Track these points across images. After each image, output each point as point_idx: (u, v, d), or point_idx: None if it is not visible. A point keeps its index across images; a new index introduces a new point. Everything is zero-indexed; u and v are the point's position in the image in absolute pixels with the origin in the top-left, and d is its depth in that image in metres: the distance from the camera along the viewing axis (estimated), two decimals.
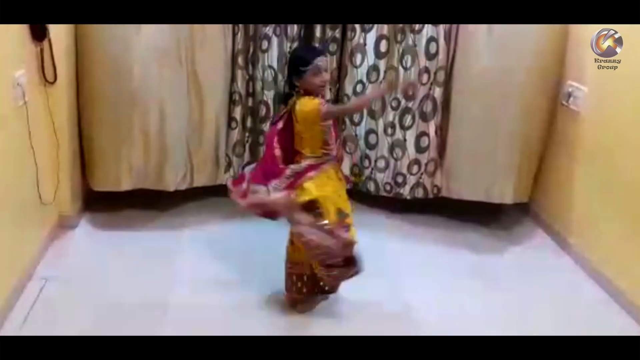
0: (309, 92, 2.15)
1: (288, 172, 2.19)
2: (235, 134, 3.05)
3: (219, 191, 3.03)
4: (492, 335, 1.84)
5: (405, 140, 3.08)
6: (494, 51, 2.84)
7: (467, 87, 2.94)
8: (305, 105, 2.15)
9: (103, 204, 3.07)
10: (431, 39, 2.89)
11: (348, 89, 3.02)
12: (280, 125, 2.24)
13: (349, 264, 2.22)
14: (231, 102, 2.98)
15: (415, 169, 3.12)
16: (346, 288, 2.39)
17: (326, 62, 2.22)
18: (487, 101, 2.92)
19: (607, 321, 2.48)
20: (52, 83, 2.57)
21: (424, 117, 3.04)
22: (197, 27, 2.75)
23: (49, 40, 2.49)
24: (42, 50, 2.48)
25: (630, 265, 2.54)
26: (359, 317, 2.39)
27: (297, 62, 2.17)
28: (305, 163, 2.20)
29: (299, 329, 2.32)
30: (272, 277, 2.43)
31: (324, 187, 2.17)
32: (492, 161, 3.01)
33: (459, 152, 3.05)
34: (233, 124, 3.03)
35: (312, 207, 2.14)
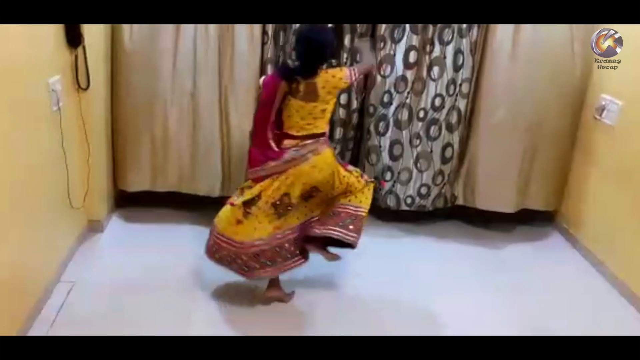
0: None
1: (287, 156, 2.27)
2: None
3: None
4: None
5: (431, 151, 3.07)
6: (518, 64, 2.89)
7: (490, 98, 2.99)
8: (336, 73, 2.27)
9: (132, 208, 3.11)
10: (458, 51, 2.90)
11: (374, 100, 3.01)
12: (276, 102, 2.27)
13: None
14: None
15: (439, 179, 3.12)
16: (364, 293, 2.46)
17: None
18: (508, 112, 2.97)
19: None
20: (85, 89, 2.61)
21: (450, 128, 3.04)
22: (227, 37, 2.80)
23: (84, 47, 2.53)
24: (76, 57, 2.53)
25: None
26: (374, 320, 2.44)
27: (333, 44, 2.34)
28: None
29: (299, 329, 2.35)
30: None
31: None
32: (510, 172, 3.06)
33: (478, 162, 3.09)
34: None
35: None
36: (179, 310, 2.39)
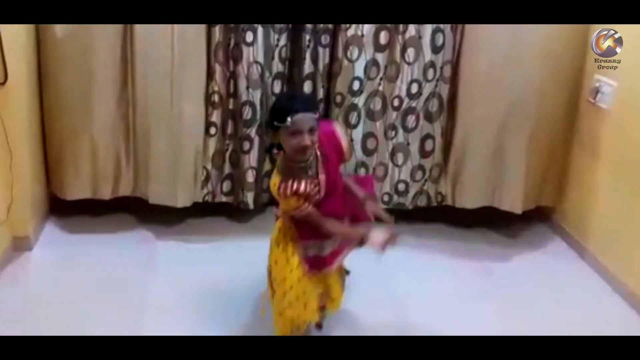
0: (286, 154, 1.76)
1: None
2: (214, 142, 2.73)
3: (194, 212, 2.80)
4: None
5: (408, 144, 2.78)
6: (504, 42, 2.59)
7: (475, 83, 2.68)
8: (271, 181, 1.77)
9: (65, 218, 2.79)
10: (437, 30, 2.59)
11: (342, 87, 2.69)
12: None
13: None
14: (209, 104, 2.65)
15: (419, 175, 2.84)
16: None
17: (311, 122, 1.69)
18: (496, 98, 2.67)
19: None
20: (3, 84, 2.27)
21: (430, 118, 2.75)
22: (167, 31, 2.47)
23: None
24: None
25: None
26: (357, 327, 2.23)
27: (272, 114, 1.75)
28: None
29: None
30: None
31: None
32: (501, 165, 2.77)
33: (466, 155, 2.79)
34: (212, 130, 2.70)
35: None
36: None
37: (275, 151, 1.81)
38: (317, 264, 1.86)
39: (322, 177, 1.78)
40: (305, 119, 1.67)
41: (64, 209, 2.78)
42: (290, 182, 1.69)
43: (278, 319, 1.92)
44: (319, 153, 1.78)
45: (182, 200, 2.70)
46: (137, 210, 2.84)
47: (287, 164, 1.76)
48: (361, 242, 1.85)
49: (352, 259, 2.00)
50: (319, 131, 1.73)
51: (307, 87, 2.73)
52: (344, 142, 1.89)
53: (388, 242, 1.77)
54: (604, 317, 2.41)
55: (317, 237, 1.82)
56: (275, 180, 1.74)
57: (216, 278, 2.44)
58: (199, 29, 2.52)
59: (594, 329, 2.26)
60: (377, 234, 1.79)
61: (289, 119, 1.65)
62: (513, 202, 2.80)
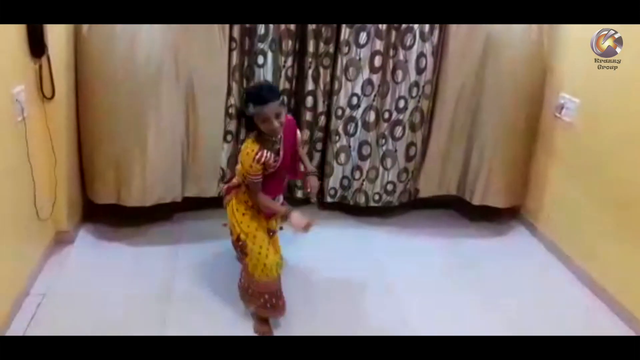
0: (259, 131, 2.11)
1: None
2: (230, 148, 3.09)
3: (212, 204, 3.08)
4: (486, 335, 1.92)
5: (396, 150, 3.17)
6: (476, 63, 3.03)
7: (449, 98, 3.12)
8: (245, 148, 2.13)
9: (102, 218, 3.07)
10: (421, 55, 2.98)
11: (342, 102, 3.08)
12: None
13: None
14: (227, 116, 3.01)
15: (404, 176, 3.25)
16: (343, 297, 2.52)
17: (277, 109, 2.05)
18: (465, 111, 3.13)
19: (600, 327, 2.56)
20: (50, 99, 2.58)
21: (413, 128, 3.16)
22: (195, 43, 2.76)
23: (47, 57, 2.50)
24: (40, 67, 2.49)
25: (629, 278, 2.57)
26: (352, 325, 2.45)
27: (248, 98, 2.08)
28: None
29: (298, 329, 2.37)
30: None
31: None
32: (463, 166, 3.26)
33: (436, 157, 3.26)
34: (228, 137, 3.06)
35: None
36: (153, 322, 2.37)
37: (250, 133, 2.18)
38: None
39: (281, 153, 2.18)
40: (272, 107, 2.03)
41: (99, 210, 3.04)
42: (265, 152, 2.09)
43: (255, 272, 2.24)
44: (281, 135, 2.16)
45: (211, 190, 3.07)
46: (164, 213, 3.12)
47: (262, 137, 2.12)
48: (284, 218, 2.25)
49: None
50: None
51: (309, 102, 3.12)
52: (299, 132, 2.35)
53: (306, 226, 2.15)
54: (549, 282, 2.88)
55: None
56: (252, 147, 2.09)
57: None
58: (222, 56, 2.84)
59: (540, 294, 2.75)
60: (298, 217, 2.18)
61: (262, 107, 2.01)
62: (470, 196, 3.27)
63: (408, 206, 3.43)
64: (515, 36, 2.95)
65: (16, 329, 2.26)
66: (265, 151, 2.10)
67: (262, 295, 2.27)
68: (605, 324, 2.57)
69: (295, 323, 2.40)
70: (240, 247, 2.30)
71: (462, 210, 3.44)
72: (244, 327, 2.37)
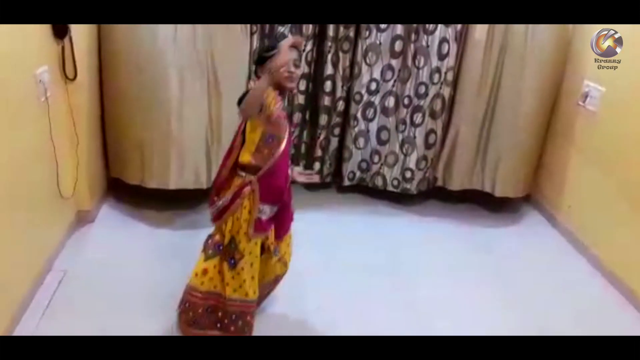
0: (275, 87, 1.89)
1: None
2: None
3: None
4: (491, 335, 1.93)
5: (415, 137, 3.14)
6: (496, 51, 2.96)
7: (470, 86, 3.05)
8: (266, 94, 1.84)
9: (123, 198, 3.12)
10: (443, 40, 2.94)
11: (361, 87, 3.05)
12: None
13: None
14: None
15: (422, 164, 3.21)
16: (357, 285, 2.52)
17: (295, 54, 1.89)
18: (486, 100, 3.07)
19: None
20: (73, 80, 2.61)
21: (433, 115, 3.11)
22: (217, 29, 2.75)
23: (70, 39, 2.53)
24: (63, 48, 2.53)
25: None
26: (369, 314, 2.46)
27: (262, 51, 1.92)
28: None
29: (299, 328, 2.36)
30: None
31: None
32: (484, 156, 3.19)
33: (457, 146, 3.20)
34: None
35: None
36: (171, 301, 2.34)
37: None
38: (258, 227, 2.02)
39: (288, 127, 1.98)
40: (291, 50, 1.85)
41: (120, 190, 3.10)
42: (280, 98, 1.90)
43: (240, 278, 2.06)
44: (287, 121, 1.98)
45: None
46: (189, 202, 3.13)
47: (277, 87, 1.89)
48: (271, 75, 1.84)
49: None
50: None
51: (327, 86, 3.10)
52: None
53: (294, 43, 1.89)
54: (566, 268, 2.90)
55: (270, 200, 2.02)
56: (268, 91, 1.82)
57: None
58: (243, 44, 2.83)
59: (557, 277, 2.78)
60: (284, 46, 1.84)
61: (278, 44, 1.84)
62: (494, 186, 3.20)
63: (427, 194, 3.40)
64: (537, 28, 2.88)
65: (38, 304, 2.32)
66: (280, 98, 1.91)
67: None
68: (620, 315, 2.55)
69: (310, 302, 2.43)
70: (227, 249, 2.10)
71: (480, 200, 3.39)
72: (259, 318, 2.34)
